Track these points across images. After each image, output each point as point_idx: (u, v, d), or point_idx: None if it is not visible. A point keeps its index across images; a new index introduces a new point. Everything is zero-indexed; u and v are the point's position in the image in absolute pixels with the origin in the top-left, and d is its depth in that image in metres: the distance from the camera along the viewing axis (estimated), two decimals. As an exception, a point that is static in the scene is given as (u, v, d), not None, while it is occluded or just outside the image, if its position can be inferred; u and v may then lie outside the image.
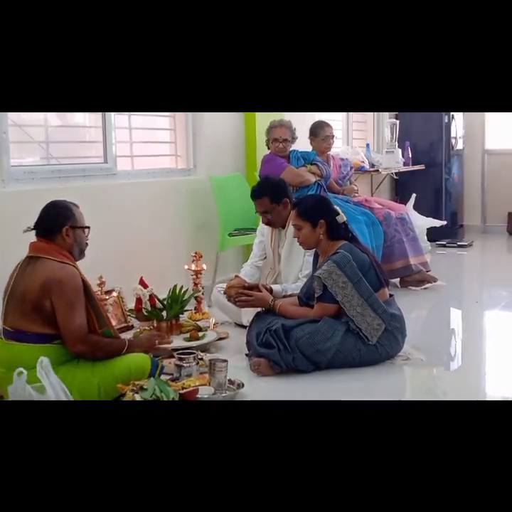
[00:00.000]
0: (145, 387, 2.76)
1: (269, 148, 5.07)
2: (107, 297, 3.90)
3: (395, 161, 7.06)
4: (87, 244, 3.04)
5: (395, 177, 7.65)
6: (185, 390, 2.88)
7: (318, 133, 5.40)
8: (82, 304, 2.86)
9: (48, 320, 2.82)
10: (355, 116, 7.47)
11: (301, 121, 5.35)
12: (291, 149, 5.07)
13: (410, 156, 7.30)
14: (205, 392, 2.95)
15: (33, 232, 2.98)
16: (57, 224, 2.95)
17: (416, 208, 6.09)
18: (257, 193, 4.07)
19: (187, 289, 3.90)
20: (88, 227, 3.04)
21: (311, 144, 5.44)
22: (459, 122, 7.77)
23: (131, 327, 4.03)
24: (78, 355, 2.88)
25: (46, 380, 2.46)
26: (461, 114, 7.79)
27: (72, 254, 2.97)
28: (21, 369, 2.44)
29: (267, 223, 4.08)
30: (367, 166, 6.73)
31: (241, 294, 3.67)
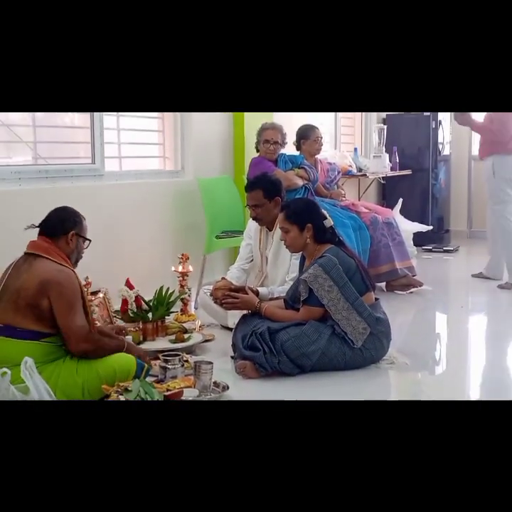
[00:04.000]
0: (129, 388, 2.76)
1: (258, 151, 5.08)
2: (93, 298, 3.89)
3: (382, 165, 7.10)
4: (82, 256, 3.08)
5: (382, 181, 7.69)
6: (169, 392, 2.88)
7: (310, 135, 5.41)
8: (81, 305, 2.89)
9: (41, 318, 2.83)
10: (343, 120, 7.49)
11: (288, 126, 5.36)
12: (278, 153, 5.09)
13: (397, 160, 7.34)
14: (189, 395, 2.95)
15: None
16: (64, 226, 2.99)
17: (402, 212, 6.12)
18: (251, 185, 4.08)
19: (173, 291, 3.90)
20: (90, 240, 3.08)
21: (301, 147, 5.44)
22: (446, 128, 7.82)
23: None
24: (80, 355, 2.89)
25: (30, 381, 2.45)
26: (448, 120, 7.83)
27: (69, 259, 2.99)
28: (5, 369, 2.43)
29: (255, 218, 4.07)
30: (354, 170, 6.75)
31: (227, 296, 3.67)
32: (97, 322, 3.47)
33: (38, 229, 3.01)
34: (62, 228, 2.98)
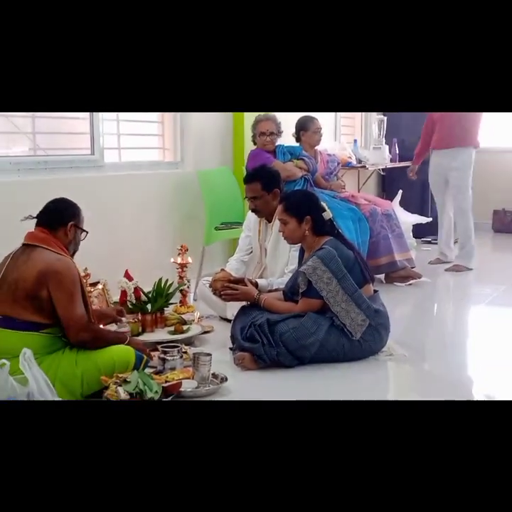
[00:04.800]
0: (128, 379, 2.77)
1: (255, 144, 5.07)
2: (92, 289, 3.90)
3: (382, 157, 7.08)
4: (78, 248, 3.10)
5: (382, 173, 7.67)
6: (168, 384, 2.88)
7: (309, 127, 5.40)
8: (80, 294, 2.90)
9: (40, 308, 2.83)
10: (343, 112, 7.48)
11: (287, 117, 5.35)
12: (276, 144, 5.08)
13: (397, 152, 7.32)
14: (188, 386, 2.95)
15: (22, 222, 2.99)
16: (64, 217, 3.00)
17: (402, 204, 6.12)
18: (250, 177, 4.09)
19: (172, 283, 3.90)
20: (87, 232, 3.09)
21: (300, 138, 5.42)
22: (446, 120, 7.78)
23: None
24: (80, 344, 2.90)
25: (29, 372, 2.46)
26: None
27: (67, 250, 3.00)
28: (4, 360, 2.44)
29: (253, 210, 4.08)
30: (354, 162, 6.74)
31: (226, 287, 3.67)
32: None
33: (35, 220, 3.01)
34: (61, 219, 2.99)
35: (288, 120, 5.29)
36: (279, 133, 5.06)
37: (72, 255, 3.05)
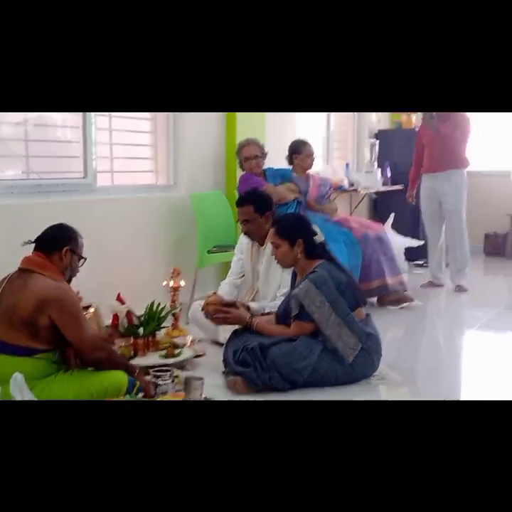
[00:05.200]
0: (120, 404, 2.75)
1: (243, 170, 5.09)
2: (84, 313, 3.88)
3: (374, 180, 7.13)
4: (76, 274, 3.09)
5: (374, 196, 7.71)
6: (160, 408, 2.87)
7: (302, 150, 5.41)
8: (84, 316, 2.90)
9: (36, 335, 2.83)
10: (335, 135, 7.53)
11: (280, 141, 5.39)
12: (266, 167, 5.10)
13: (389, 176, 7.36)
14: (180, 410, 2.94)
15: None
16: (59, 242, 3.01)
17: (394, 227, 6.14)
18: (242, 200, 4.11)
19: (164, 306, 3.90)
20: (85, 259, 3.08)
21: (292, 161, 5.44)
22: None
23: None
24: (95, 364, 2.92)
25: (20, 398, 2.45)
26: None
27: (63, 275, 3.00)
28: (-5, 385, 2.43)
29: (246, 233, 4.09)
30: (346, 186, 6.78)
31: (219, 311, 3.67)
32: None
33: (33, 245, 3.01)
34: (56, 244, 2.99)
35: (280, 143, 5.31)
36: (263, 155, 5.07)
37: (69, 281, 3.05)
